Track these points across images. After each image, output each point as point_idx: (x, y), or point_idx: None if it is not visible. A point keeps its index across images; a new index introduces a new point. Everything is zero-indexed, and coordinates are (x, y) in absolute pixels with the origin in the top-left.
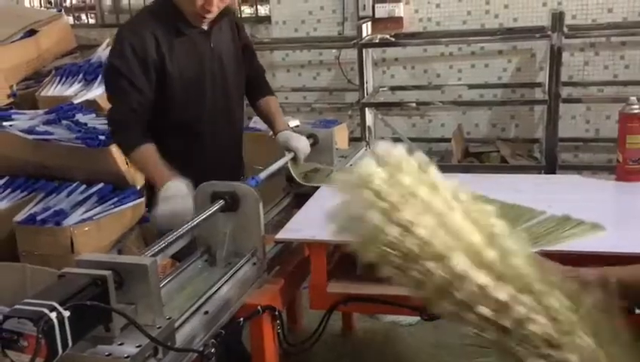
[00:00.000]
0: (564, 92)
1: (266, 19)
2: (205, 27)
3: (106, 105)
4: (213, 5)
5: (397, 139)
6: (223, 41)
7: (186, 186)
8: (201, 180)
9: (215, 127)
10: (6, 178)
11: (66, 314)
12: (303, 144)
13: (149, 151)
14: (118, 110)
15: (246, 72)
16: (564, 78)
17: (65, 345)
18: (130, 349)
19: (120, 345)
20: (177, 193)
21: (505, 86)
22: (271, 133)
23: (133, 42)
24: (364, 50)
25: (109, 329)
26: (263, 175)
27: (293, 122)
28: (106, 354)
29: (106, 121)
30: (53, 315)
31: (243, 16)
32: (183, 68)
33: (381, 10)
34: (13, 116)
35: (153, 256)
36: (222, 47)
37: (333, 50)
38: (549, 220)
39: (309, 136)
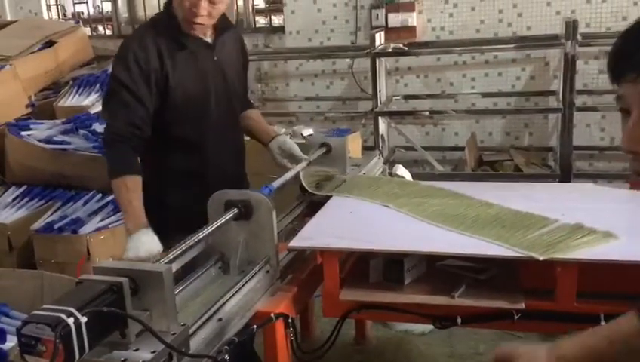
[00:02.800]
0: (579, 100)
1: (280, 30)
2: (209, 40)
3: None
4: (200, 8)
5: (410, 148)
6: (226, 55)
7: (152, 237)
8: (204, 194)
9: (218, 140)
10: (24, 187)
11: (83, 319)
12: (296, 146)
13: (133, 184)
14: (118, 123)
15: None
16: (578, 86)
17: (82, 351)
18: (145, 355)
19: (135, 350)
20: (145, 242)
21: (519, 94)
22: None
23: (137, 53)
24: (377, 60)
25: (125, 335)
26: (276, 184)
27: (307, 131)
28: (122, 359)
29: None
30: (70, 321)
31: (257, 26)
32: (186, 81)
33: (394, 20)
34: (31, 126)
35: (168, 263)
36: (225, 61)
37: (347, 60)
38: (561, 228)
39: (321, 145)
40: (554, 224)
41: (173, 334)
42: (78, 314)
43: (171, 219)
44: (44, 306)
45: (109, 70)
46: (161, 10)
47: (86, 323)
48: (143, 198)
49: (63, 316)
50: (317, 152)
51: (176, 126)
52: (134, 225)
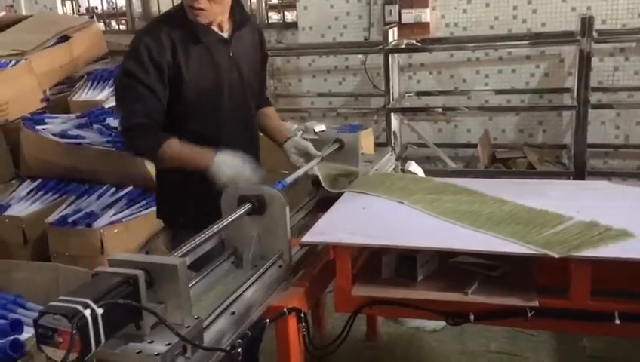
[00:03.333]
0: (594, 97)
1: (293, 25)
2: (226, 35)
3: None
4: None
5: (422, 145)
6: (243, 51)
7: (227, 155)
8: (219, 190)
9: (233, 136)
10: (39, 180)
11: (100, 311)
12: (311, 144)
13: (175, 143)
14: (134, 116)
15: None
16: (593, 83)
17: (98, 342)
18: (160, 347)
19: (150, 343)
20: (226, 160)
21: (533, 91)
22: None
23: (149, 45)
24: (390, 56)
25: (140, 328)
26: (289, 179)
27: (319, 127)
28: (137, 351)
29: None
30: (87, 312)
31: (270, 22)
32: (199, 76)
33: (407, 16)
34: (46, 120)
35: (182, 256)
36: (241, 56)
37: (360, 56)
38: (576, 226)
39: (334, 141)
40: (569, 221)
41: (188, 327)
42: (95, 306)
43: (192, 211)
44: (61, 297)
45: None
46: (175, 4)
47: (102, 314)
48: (164, 193)
49: (80, 307)
50: (330, 148)
51: (191, 121)
52: (207, 158)
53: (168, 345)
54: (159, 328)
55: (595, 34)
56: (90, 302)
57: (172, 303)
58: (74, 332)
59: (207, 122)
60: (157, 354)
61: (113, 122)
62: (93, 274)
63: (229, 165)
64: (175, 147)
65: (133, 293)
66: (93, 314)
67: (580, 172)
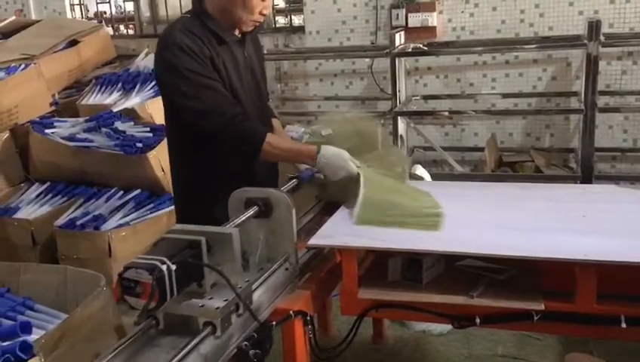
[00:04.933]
0: (601, 101)
1: (300, 29)
2: (239, 35)
3: (144, 113)
4: (268, 9)
5: (429, 148)
6: (252, 53)
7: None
8: (235, 188)
9: None
10: (47, 183)
11: (173, 267)
12: None
13: (273, 136)
14: (226, 106)
15: None
16: (600, 86)
17: (172, 294)
18: (218, 302)
19: (210, 299)
20: (329, 150)
21: (540, 95)
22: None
23: (187, 43)
24: (396, 60)
25: (202, 286)
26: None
27: (326, 130)
28: (200, 305)
29: (146, 128)
30: (164, 267)
31: (277, 26)
32: (228, 73)
33: (414, 20)
34: (55, 124)
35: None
36: (253, 58)
37: (366, 60)
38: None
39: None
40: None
41: (240, 287)
42: (169, 263)
43: (211, 211)
44: (139, 256)
45: (132, 69)
46: (192, 7)
47: (175, 271)
48: (187, 193)
49: (158, 263)
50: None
51: None
52: (310, 151)
53: (226, 300)
54: (216, 288)
55: (602, 38)
56: (165, 259)
57: (227, 267)
58: (154, 283)
59: None
60: (217, 308)
61: (121, 126)
62: (159, 240)
63: (333, 156)
64: (275, 139)
65: (196, 255)
66: (169, 269)
67: (587, 176)
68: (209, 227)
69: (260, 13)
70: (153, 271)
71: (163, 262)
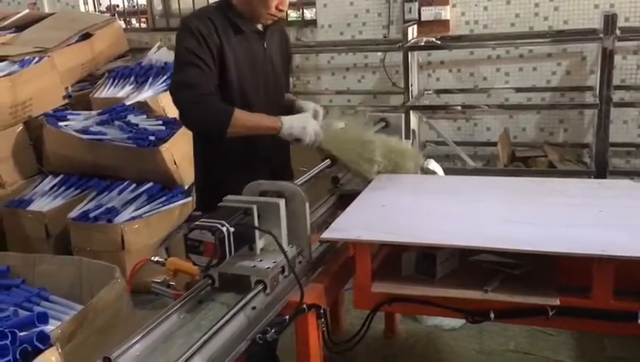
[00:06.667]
0: (616, 96)
1: (312, 23)
2: (260, 28)
3: (156, 106)
4: (285, 5)
5: (441, 143)
6: (274, 46)
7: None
8: (249, 181)
9: None
10: (61, 176)
11: (232, 229)
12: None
13: (241, 111)
14: (202, 88)
15: None
16: (616, 81)
17: (230, 253)
18: (268, 263)
19: (260, 261)
20: (293, 118)
21: (554, 89)
22: None
23: (200, 28)
24: (409, 53)
25: (252, 249)
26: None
27: (339, 124)
28: (252, 265)
29: (159, 121)
30: (224, 229)
31: (289, 19)
32: (240, 64)
33: (427, 13)
34: (68, 117)
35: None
36: (273, 51)
37: (379, 53)
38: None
39: (380, 120)
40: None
41: (285, 251)
42: (228, 225)
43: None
44: (201, 220)
45: (144, 62)
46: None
47: (233, 232)
48: (200, 181)
49: (219, 225)
50: (376, 127)
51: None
52: (274, 120)
53: (274, 262)
54: (265, 252)
55: (618, 31)
56: (224, 222)
57: (275, 233)
58: (216, 243)
59: (243, 109)
60: (267, 268)
61: (134, 119)
62: (217, 208)
63: (297, 120)
64: (243, 114)
65: (249, 221)
66: (228, 231)
67: (601, 171)
68: (259, 198)
69: (277, 8)
70: (215, 231)
71: (223, 225)
